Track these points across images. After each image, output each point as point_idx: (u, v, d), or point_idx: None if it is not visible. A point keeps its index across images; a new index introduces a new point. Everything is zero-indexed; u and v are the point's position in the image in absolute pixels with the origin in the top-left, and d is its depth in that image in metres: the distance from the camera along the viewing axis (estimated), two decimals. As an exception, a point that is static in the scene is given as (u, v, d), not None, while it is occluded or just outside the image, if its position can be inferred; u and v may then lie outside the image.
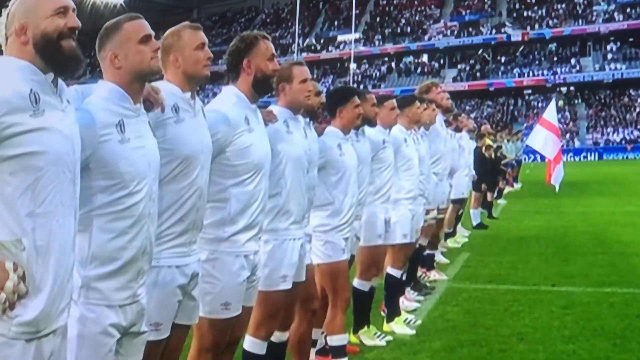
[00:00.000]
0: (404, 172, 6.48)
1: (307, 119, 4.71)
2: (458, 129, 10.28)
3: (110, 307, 2.72)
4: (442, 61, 63.79)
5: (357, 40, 62.76)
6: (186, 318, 3.30)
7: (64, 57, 2.42)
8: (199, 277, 3.30)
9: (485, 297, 7.80)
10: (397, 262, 6.52)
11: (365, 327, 6.15)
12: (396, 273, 6.56)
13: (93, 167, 2.69)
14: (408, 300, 7.44)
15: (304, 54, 59.54)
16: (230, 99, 3.78)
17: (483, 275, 9.15)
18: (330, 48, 64.97)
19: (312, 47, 65.14)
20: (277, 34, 66.66)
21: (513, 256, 10.50)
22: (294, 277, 4.18)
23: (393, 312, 6.64)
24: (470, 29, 62.76)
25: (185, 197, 3.23)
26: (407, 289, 7.62)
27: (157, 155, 2.95)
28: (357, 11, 61.92)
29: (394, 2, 68.47)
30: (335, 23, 67.85)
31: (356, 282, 6.00)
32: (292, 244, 4.19)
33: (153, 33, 2.91)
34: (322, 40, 66.13)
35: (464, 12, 64.92)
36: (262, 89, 3.83)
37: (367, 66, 65.01)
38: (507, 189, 21.10)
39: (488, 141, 15.15)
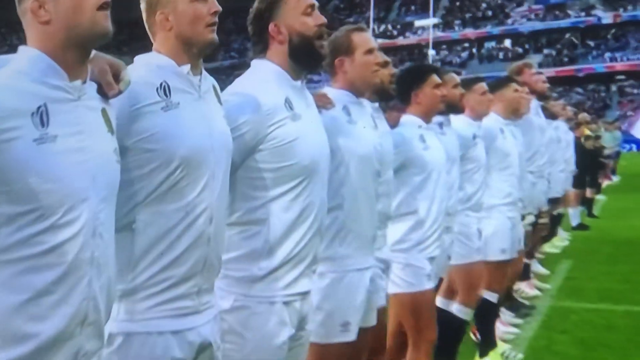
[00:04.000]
0: (501, 172, 5.33)
1: (376, 104, 3.65)
2: (553, 117, 9.00)
3: None
4: (526, 46, 61.72)
5: (435, 26, 61.54)
6: None
7: None
8: (214, 348, 2.28)
9: (600, 322, 6.56)
10: (494, 284, 5.34)
11: (455, 366, 5.02)
12: (492, 297, 5.38)
13: None
14: (504, 325, 6.25)
15: (380, 40, 58.54)
16: (262, 74, 2.76)
17: (592, 290, 7.88)
18: (407, 34, 63.85)
19: (388, 33, 64.11)
20: (352, 20, 65.89)
21: (625, 265, 9.13)
22: (360, 323, 3.10)
23: (488, 343, 5.50)
24: (557, 12, 60.52)
25: (186, 223, 2.22)
26: (502, 309, 6.43)
27: (111, 163, 1.94)
28: (435, -5, 60.53)
29: (475, -15, 66.71)
30: (412, 8, 66.69)
31: (456, 308, 4.88)
32: (357, 277, 3.12)
33: None
34: (398, 26, 65.05)
35: (549, -6, 62.58)
36: (305, 59, 2.80)
37: (446, 52, 63.58)
38: (605, 183, 19.47)
39: (587, 131, 13.74)
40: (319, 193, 2.74)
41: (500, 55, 60.70)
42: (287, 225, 2.63)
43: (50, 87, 1.78)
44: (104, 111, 1.96)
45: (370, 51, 3.33)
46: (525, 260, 7.81)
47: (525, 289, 7.78)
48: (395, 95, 3.96)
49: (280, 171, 2.64)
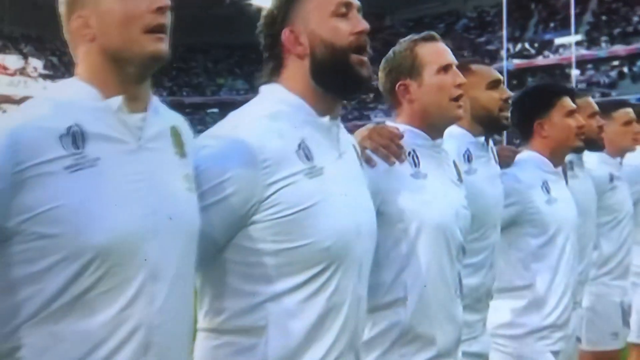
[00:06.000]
0: None
1: (481, 139, 2.94)
2: None
3: None
4: (688, 62, 58.85)
5: (578, 43, 59.65)
6: None
7: None
8: None
9: None
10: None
11: None
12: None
13: None
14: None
15: (516, 61, 57.28)
16: (269, 106, 2.08)
17: None
18: (546, 53, 62.05)
19: (525, 53, 62.51)
20: (484, 40, 64.86)
21: None
22: None
23: None
24: None
25: (104, 353, 1.59)
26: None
27: None
28: (577, 10, 58.71)
29: (623, -3, 64.36)
30: (551, 25, 64.86)
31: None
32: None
33: None
34: (536, 45, 63.32)
35: None
36: (335, 81, 2.09)
37: (592, 72, 61.35)
38: None
39: None
40: (351, 287, 2.04)
41: (656, 73, 58.11)
42: (299, 338, 1.95)
43: None
44: None
45: (445, 69, 2.60)
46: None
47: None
48: (509, 126, 3.23)
49: (287, 255, 1.95)
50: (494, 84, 3.08)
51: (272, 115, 2.04)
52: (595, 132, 3.82)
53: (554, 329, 3.21)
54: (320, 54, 2.06)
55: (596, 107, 3.93)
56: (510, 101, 3.12)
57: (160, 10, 1.71)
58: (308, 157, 2.00)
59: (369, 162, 2.44)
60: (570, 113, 3.41)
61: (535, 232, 3.25)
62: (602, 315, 4.02)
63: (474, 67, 3.08)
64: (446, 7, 71.49)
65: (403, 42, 2.74)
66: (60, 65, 62.48)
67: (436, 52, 2.67)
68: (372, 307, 2.40)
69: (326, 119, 2.10)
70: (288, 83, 2.11)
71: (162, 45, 1.72)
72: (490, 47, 63.52)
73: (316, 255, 1.96)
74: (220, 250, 1.99)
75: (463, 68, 2.74)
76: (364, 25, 2.09)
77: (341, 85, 2.12)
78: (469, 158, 2.96)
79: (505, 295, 3.21)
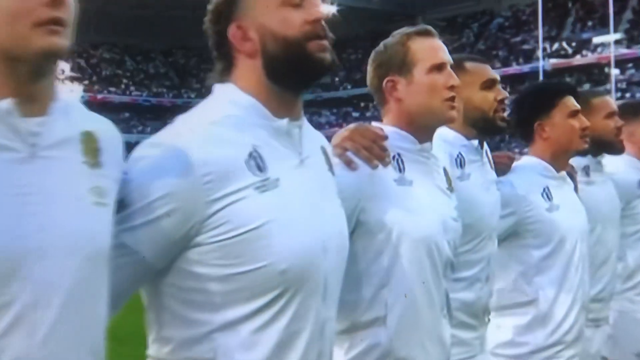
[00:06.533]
0: None
1: (475, 142, 2.85)
2: None
3: None
4: None
5: (617, 42, 59.29)
6: None
7: None
8: None
9: None
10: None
11: None
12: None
13: None
14: None
15: (553, 60, 57.01)
16: (219, 108, 1.87)
17: None
18: (584, 52, 61.71)
19: (562, 52, 62.26)
20: (519, 39, 64.67)
21: None
22: None
23: None
24: None
25: None
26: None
27: None
28: (616, 8, 58.38)
29: (664, -6, 63.87)
30: (589, 23, 64.55)
31: None
32: None
33: None
34: (573, 44, 63.00)
35: None
36: (291, 76, 1.88)
37: (633, 71, 60.94)
38: None
39: None
40: (314, 311, 1.82)
41: (701, 72, 57.62)
42: None
43: None
44: None
45: (438, 68, 2.39)
46: None
47: None
48: (505, 129, 3.04)
49: (237, 281, 1.74)
50: (489, 84, 2.89)
51: (221, 120, 1.83)
52: (612, 134, 3.59)
53: (563, 347, 2.97)
54: (272, 50, 1.85)
55: (614, 107, 3.70)
56: (506, 102, 2.94)
57: (54, 3, 1.49)
58: (260, 167, 1.79)
59: (349, 164, 2.25)
60: (574, 113, 3.20)
61: (537, 243, 3.07)
62: (626, 334, 3.73)
63: (468, 65, 2.88)
64: (480, 6, 71.36)
65: (396, 35, 2.53)
66: (87, 67, 63.43)
67: (431, 48, 2.46)
68: (349, 327, 2.28)
69: (284, 121, 1.88)
70: (241, 83, 1.90)
71: (57, 39, 1.50)
72: (525, 47, 63.40)
73: (270, 280, 1.76)
74: (161, 274, 1.80)
75: (457, 66, 2.52)
76: (320, 11, 1.87)
77: (299, 79, 1.91)
78: (461, 163, 2.76)
79: (506, 312, 3.04)
